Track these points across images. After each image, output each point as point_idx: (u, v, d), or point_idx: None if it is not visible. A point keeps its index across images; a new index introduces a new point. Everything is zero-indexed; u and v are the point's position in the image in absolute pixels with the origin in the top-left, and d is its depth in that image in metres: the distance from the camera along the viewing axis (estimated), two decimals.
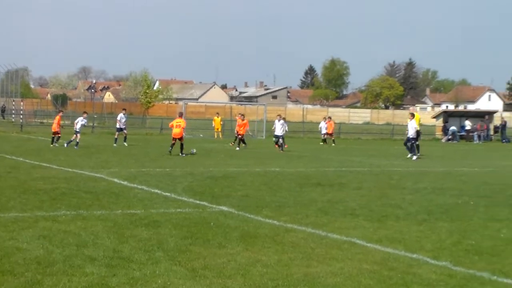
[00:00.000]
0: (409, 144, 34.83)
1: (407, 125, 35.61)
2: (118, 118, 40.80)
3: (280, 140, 38.72)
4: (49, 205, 14.98)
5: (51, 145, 35.95)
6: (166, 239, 11.63)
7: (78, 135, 36.37)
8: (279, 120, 39.92)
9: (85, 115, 38.69)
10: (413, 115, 35.49)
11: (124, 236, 11.73)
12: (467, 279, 9.51)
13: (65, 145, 35.31)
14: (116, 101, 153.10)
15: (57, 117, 38.89)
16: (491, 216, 15.38)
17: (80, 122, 37.19)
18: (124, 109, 43.32)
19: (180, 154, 31.73)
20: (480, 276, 9.73)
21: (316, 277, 9.41)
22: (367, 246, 11.59)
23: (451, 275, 9.73)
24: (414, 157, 33.86)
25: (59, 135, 37.12)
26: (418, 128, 36.61)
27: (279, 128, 39.52)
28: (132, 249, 10.76)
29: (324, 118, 52.31)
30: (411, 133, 34.62)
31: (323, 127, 50.70)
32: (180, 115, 35.76)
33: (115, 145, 37.97)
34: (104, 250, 10.57)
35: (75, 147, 34.76)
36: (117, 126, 40.41)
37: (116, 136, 39.75)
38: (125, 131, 39.92)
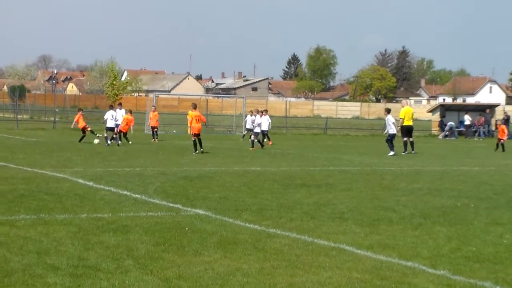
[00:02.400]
0: (389, 140, 35.55)
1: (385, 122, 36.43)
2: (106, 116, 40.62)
3: (253, 137, 39.03)
4: (7, 209, 14.91)
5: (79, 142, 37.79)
6: (136, 245, 11.61)
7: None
8: (263, 115, 40.64)
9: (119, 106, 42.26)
10: (388, 111, 36.36)
11: (90, 243, 11.70)
12: None
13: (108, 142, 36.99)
14: (80, 93, 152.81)
15: (78, 116, 40.77)
16: (492, 219, 15.47)
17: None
18: (120, 104, 44.43)
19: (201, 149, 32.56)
20: (481, 285, 9.80)
21: (301, 287, 9.43)
22: (357, 253, 11.62)
23: (450, 285, 9.79)
24: (391, 153, 34.72)
25: (89, 129, 39.48)
26: (406, 123, 36.78)
27: (265, 123, 40.49)
28: (99, 256, 10.74)
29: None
30: (392, 129, 35.44)
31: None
32: (195, 106, 35.64)
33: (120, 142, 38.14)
34: (68, 258, 10.54)
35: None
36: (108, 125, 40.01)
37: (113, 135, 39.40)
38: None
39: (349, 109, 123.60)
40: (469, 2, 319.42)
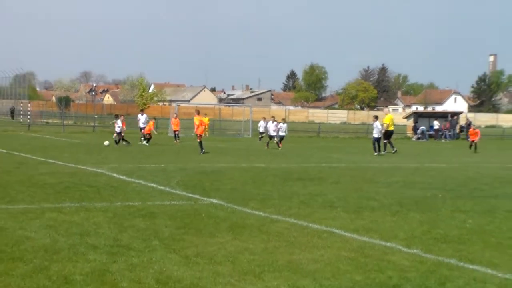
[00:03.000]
0: (376, 143, 35.01)
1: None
2: (138, 119, 42.03)
3: (275, 139, 39.43)
4: (55, 198, 14.91)
5: (141, 143, 38.18)
6: (161, 229, 11.60)
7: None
8: (273, 122, 40.62)
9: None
10: (376, 117, 35.75)
11: (123, 226, 11.69)
12: (437, 265, 9.54)
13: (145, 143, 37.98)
14: (115, 103, 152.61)
15: (151, 123, 40.61)
16: (457, 207, 15.42)
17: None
18: (142, 110, 44.46)
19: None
20: (448, 262, 9.76)
21: (298, 263, 9.41)
22: (345, 235, 11.59)
23: (422, 261, 9.76)
24: (375, 153, 34.32)
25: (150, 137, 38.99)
26: (390, 128, 36.89)
27: (271, 129, 40.62)
28: (131, 238, 10.73)
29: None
30: (375, 132, 35.01)
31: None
32: (198, 112, 35.12)
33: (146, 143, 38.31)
34: (105, 239, 10.54)
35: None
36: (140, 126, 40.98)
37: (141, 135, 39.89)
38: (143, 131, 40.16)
39: (338, 116, 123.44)
40: (437, 27, 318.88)
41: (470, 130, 44.06)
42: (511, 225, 13.08)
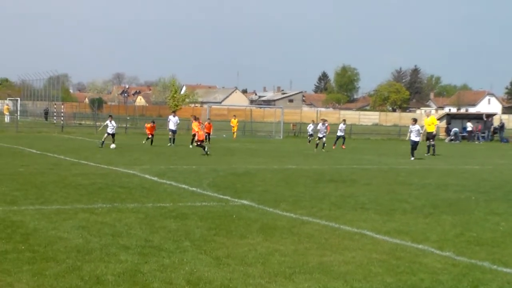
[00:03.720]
0: (414, 145, 32.44)
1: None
2: (168, 120, 41.92)
3: (324, 139, 39.17)
4: (87, 199, 15.04)
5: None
6: (192, 230, 11.64)
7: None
8: (323, 124, 39.78)
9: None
10: (415, 120, 33.39)
11: (154, 227, 11.76)
12: (469, 268, 9.44)
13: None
14: (147, 105, 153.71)
15: (206, 124, 40.68)
16: (491, 210, 15.26)
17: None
18: (174, 112, 44.49)
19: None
20: (481, 265, 9.65)
21: (329, 265, 9.38)
22: (376, 237, 11.53)
23: (454, 264, 9.67)
24: (412, 158, 32.07)
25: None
26: (430, 130, 36.76)
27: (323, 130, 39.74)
28: (162, 239, 10.78)
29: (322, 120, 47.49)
30: (415, 136, 32.31)
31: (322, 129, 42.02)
32: (195, 118, 36.82)
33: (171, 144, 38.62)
34: (137, 240, 10.61)
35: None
36: (171, 128, 40.96)
37: (170, 137, 40.03)
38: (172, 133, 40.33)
39: (370, 117, 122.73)
40: (471, 27, 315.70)
41: None
42: None
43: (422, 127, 35.28)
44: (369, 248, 10.57)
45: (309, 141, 47.55)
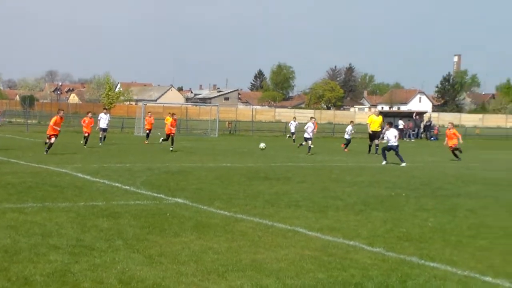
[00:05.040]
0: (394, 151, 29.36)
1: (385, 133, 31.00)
2: (99, 118, 39.45)
3: (310, 142, 35.63)
4: (17, 198, 14.74)
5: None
6: (125, 228, 11.54)
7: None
8: (312, 123, 36.76)
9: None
10: (390, 124, 31.33)
11: (86, 226, 11.60)
12: (398, 263, 9.63)
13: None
14: (80, 102, 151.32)
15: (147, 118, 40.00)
16: (420, 206, 15.58)
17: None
18: (105, 109, 42.85)
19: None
20: (409, 260, 9.85)
21: (262, 262, 9.43)
22: (309, 234, 11.64)
23: (384, 260, 9.84)
24: (403, 164, 28.35)
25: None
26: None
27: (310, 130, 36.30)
28: (94, 238, 10.65)
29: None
30: (394, 141, 29.54)
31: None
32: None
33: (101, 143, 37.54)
34: (68, 239, 10.45)
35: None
36: (101, 126, 38.95)
37: (101, 136, 38.75)
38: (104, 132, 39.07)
39: (305, 115, 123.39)
40: (403, 27, 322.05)
41: (446, 131, 35.18)
42: (471, 224, 13.25)
43: (396, 127, 34.92)
44: (301, 245, 10.67)
45: (294, 140, 47.96)
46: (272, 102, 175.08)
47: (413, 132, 63.85)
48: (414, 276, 8.92)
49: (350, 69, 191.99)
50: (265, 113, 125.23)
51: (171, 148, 33.19)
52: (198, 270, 8.89)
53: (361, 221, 13.26)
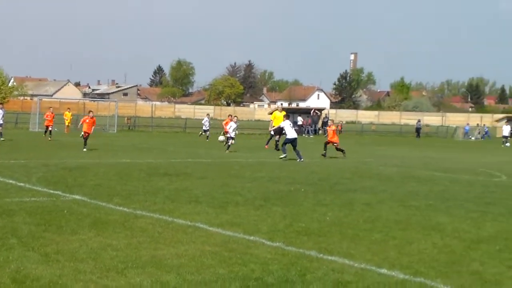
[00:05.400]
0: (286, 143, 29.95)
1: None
2: None
3: (233, 141, 34.92)
4: None
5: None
6: (20, 226, 11.19)
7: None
8: (235, 122, 36.26)
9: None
10: (287, 116, 31.33)
11: None
12: (298, 257, 9.76)
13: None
14: None
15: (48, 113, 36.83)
16: (318, 201, 15.85)
17: None
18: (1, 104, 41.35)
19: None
20: (308, 254, 10.00)
21: (162, 258, 9.36)
22: (209, 230, 11.64)
23: (284, 254, 9.95)
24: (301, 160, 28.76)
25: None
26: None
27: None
28: None
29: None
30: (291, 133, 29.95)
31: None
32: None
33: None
34: None
35: None
36: None
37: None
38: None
39: (205, 111, 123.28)
40: (302, 25, 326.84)
41: (327, 128, 35.55)
42: (367, 217, 13.58)
43: (296, 123, 34.69)
44: (202, 241, 10.65)
45: (201, 135, 47.78)
46: (172, 98, 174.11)
47: (311, 128, 65.00)
48: (313, 269, 9.07)
49: (249, 66, 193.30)
50: (165, 109, 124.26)
51: (84, 149, 30.99)
52: (97, 267, 8.73)
53: (261, 216, 13.36)
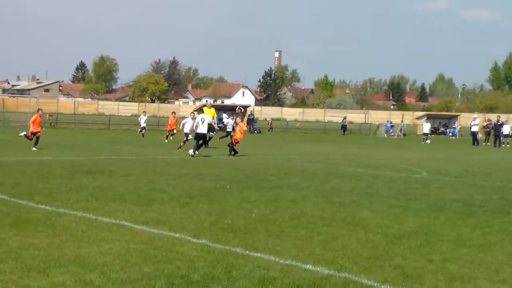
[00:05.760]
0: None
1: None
2: None
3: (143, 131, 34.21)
4: None
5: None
6: None
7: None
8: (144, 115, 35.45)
9: None
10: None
11: None
12: (224, 254, 9.76)
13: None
14: None
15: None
16: (243, 198, 15.89)
17: None
18: None
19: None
20: (234, 251, 10.02)
21: (86, 257, 9.21)
22: (134, 228, 11.53)
23: (209, 251, 9.94)
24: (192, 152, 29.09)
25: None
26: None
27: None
28: None
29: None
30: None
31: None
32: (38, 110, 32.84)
33: None
34: None
35: None
36: None
37: None
38: None
39: (129, 108, 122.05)
40: (227, 21, 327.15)
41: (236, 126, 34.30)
42: (292, 214, 13.70)
43: (220, 120, 34.51)
44: (127, 239, 10.54)
45: (141, 133, 47.12)
46: (95, 95, 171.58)
47: (236, 125, 65.19)
48: (239, 266, 9.09)
49: (174, 63, 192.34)
50: (88, 106, 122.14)
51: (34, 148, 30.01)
52: (17, 267, 8.52)
53: (187, 213, 13.32)
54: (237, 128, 32.48)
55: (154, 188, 17.01)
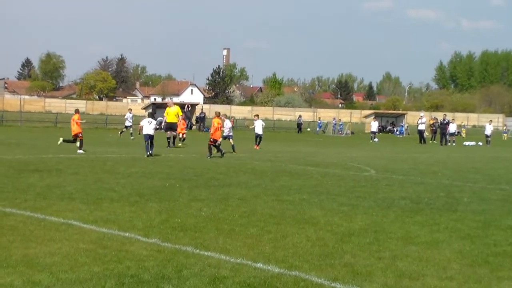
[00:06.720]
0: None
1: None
2: None
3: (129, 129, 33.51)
4: None
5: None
6: None
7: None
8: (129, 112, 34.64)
9: None
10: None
11: None
12: (174, 253, 9.74)
13: None
14: None
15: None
16: (194, 196, 15.87)
17: None
18: None
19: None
20: (185, 250, 10.01)
21: (34, 257, 9.09)
22: (83, 227, 11.42)
23: (159, 250, 9.91)
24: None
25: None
26: (173, 121, 36.07)
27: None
28: None
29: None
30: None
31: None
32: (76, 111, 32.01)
33: None
34: None
35: None
36: None
37: None
38: None
39: (77, 106, 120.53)
40: (174, 19, 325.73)
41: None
42: (243, 212, 13.73)
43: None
44: (75, 238, 10.43)
45: (123, 132, 46.08)
46: (42, 92, 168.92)
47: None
48: (189, 265, 9.08)
49: (122, 60, 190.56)
50: (34, 104, 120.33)
51: None
52: None
53: (136, 212, 13.24)
54: (211, 129, 31.69)
55: (103, 187, 16.86)
